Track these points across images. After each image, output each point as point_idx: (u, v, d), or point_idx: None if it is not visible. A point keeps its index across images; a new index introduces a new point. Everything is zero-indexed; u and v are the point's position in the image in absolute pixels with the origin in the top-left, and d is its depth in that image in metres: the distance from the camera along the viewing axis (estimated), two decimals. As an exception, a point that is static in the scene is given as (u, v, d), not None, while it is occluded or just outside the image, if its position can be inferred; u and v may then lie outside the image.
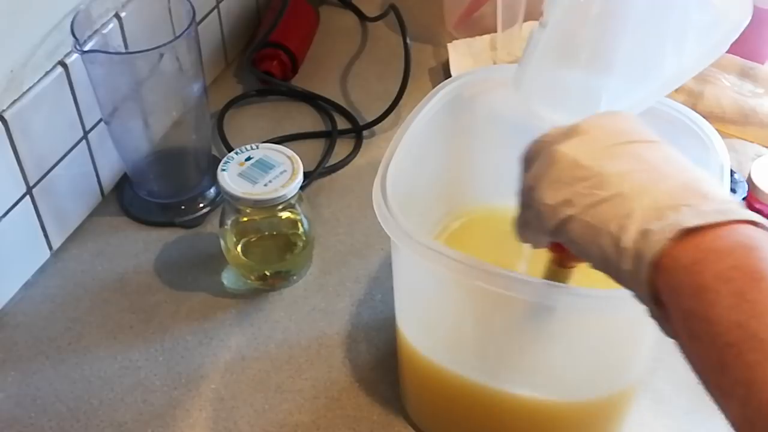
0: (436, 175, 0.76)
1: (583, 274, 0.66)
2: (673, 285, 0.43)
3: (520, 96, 0.65)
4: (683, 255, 0.43)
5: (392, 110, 1.03)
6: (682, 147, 0.63)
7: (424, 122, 0.70)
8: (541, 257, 0.62)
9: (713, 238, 0.43)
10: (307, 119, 1.06)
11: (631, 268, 0.45)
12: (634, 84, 0.65)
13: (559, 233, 0.50)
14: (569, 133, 0.52)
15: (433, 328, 0.71)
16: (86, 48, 0.82)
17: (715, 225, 0.44)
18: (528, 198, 0.53)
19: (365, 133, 1.04)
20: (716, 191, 0.47)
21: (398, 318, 0.72)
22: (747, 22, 0.58)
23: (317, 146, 1.02)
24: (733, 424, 0.40)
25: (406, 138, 0.68)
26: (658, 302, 0.45)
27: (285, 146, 0.85)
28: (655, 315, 0.46)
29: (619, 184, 0.47)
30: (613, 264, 0.47)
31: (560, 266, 0.61)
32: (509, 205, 0.80)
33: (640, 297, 0.46)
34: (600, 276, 0.49)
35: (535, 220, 0.52)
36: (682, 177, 0.47)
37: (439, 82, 0.73)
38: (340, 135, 1.03)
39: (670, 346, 0.46)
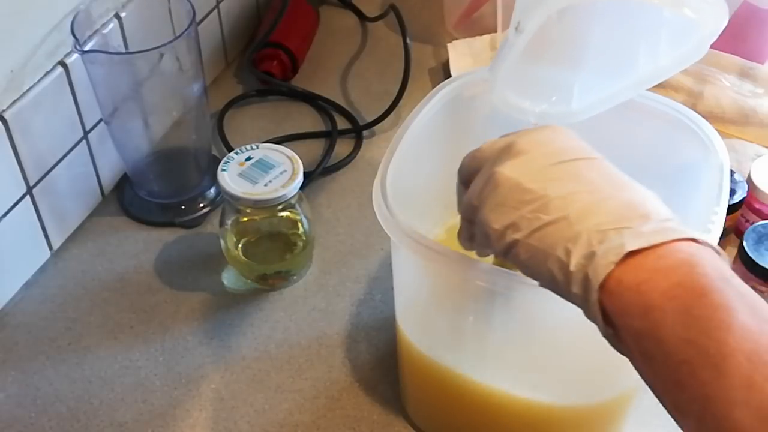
0: (435, 175, 0.76)
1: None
2: (620, 306, 0.45)
3: (495, 94, 0.66)
4: (628, 276, 0.44)
5: (392, 110, 1.03)
6: (682, 146, 0.63)
7: (424, 122, 0.70)
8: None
9: (656, 257, 0.45)
10: (307, 119, 1.06)
11: (580, 292, 0.46)
12: (607, 79, 0.65)
13: (507, 255, 0.51)
14: (508, 152, 0.52)
15: (432, 326, 0.71)
16: (86, 48, 0.82)
17: (656, 245, 0.45)
18: (472, 216, 0.53)
19: (365, 133, 1.04)
20: (657, 209, 0.48)
21: (398, 317, 0.72)
22: (723, 27, 0.58)
23: (317, 146, 1.02)
24: None
25: (406, 138, 0.68)
26: (608, 322, 0.46)
27: (285, 146, 0.85)
28: (606, 334, 0.47)
29: (562, 207, 0.48)
30: (562, 286, 0.48)
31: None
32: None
33: (591, 317, 0.47)
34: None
35: (481, 238, 0.53)
36: (623, 196, 0.48)
37: (439, 82, 0.73)
38: (340, 135, 1.03)
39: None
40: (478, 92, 0.75)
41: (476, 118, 0.76)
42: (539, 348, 0.66)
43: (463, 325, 0.69)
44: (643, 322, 0.43)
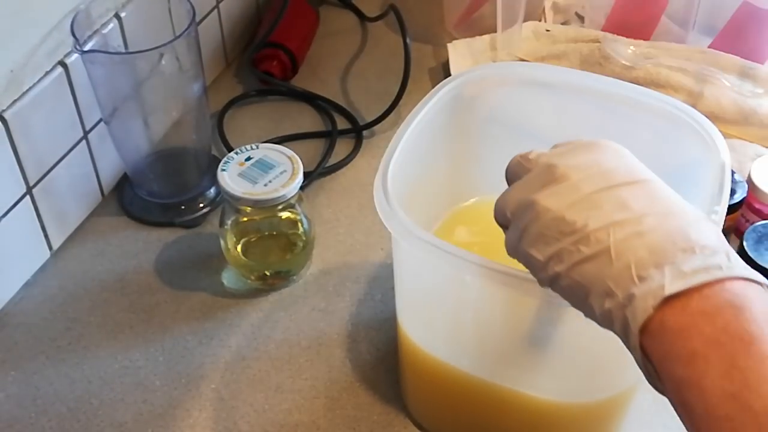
0: (436, 173, 0.76)
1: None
2: (662, 351, 0.43)
3: None
4: (671, 319, 0.43)
5: (392, 110, 1.03)
6: (683, 145, 0.63)
7: (425, 121, 0.70)
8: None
9: (700, 298, 0.42)
10: (307, 119, 1.06)
11: (620, 333, 0.45)
12: None
13: (552, 286, 0.50)
14: (550, 176, 0.50)
15: (433, 323, 0.71)
16: (86, 48, 0.82)
17: (701, 286, 0.42)
18: (516, 241, 0.52)
19: (365, 133, 1.04)
20: (703, 239, 0.45)
21: (399, 314, 0.72)
22: None
23: (317, 146, 1.02)
24: None
25: (407, 136, 0.68)
26: (649, 363, 0.44)
27: (285, 146, 0.85)
28: (647, 373, 0.45)
29: (603, 240, 0.46)
30: (603, 324, 0.46)
31: None
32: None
33: (632, 354, 0.45)
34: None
35: (525, 261, 0.52)
36: (668, 226, 0.46)
37: (439, 82, 0.73)
38: (340, 135, 1.03)
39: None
40: (478, 91, 0.75)
41: (476, 117, 0.76)
42: (540, 347, 0.66)
43: (463, 321, 0.69)
44: (684, 370, 0.42)
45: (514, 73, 0.77)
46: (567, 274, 0.47)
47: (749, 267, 0.44)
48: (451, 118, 0.74)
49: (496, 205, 0.54)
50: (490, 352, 0.69)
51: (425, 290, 0.69)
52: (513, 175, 0.55)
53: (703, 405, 0.41)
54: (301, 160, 0.83)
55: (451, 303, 0.68)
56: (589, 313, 0.47)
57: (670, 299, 0.42)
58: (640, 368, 0.45)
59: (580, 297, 0.47)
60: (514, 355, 0.68)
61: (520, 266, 0.54)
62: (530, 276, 0.52)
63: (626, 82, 0.73)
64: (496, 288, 0.59)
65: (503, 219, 0.53)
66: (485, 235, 0.79)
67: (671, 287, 0.42)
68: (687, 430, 0.43)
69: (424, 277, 0.68)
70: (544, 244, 0.48)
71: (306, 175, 0.86)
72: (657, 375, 0.44)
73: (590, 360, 0.66)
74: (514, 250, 0.52)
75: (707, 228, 0.46)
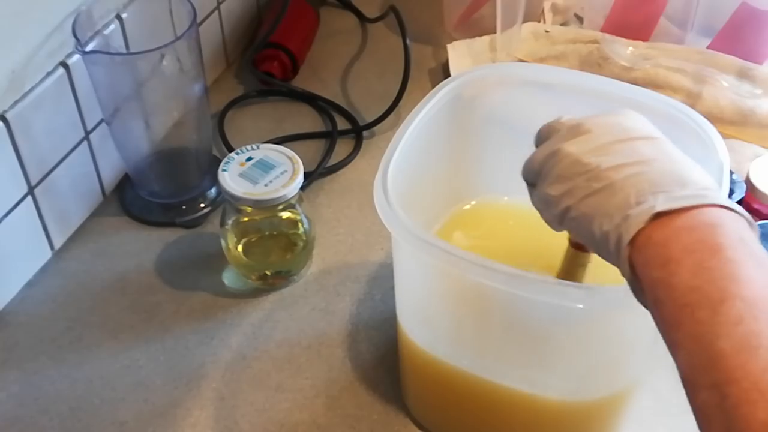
0: (436, 174, 0.76)
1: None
2: (645, 259, 0.48)
3: None
4: (656, 233, 0.48)
5: (392, 111, 1.03)
6: (682, 145, 0.64)
7: (425, 121, 0.70)
8: (540, 253, 0.62)
9: (684, 218, 0.48)
10: (308, 119, 1.06)
11: (613, 250, 0.50)
12: None
13: (563, 221, 0.55)
14: (575, 131, 0.56)
15: (433, 323, 0.71)
16: (87, 49, 0.82)
17: (687, 208, 0.48)
18: (534, 180, 0.58)
19: (365, 133, 1.04)
20: (697, 178, 0.51)
21: (399, 313, 0.73)
22: None
23: (317, 146, 1.02)
24: (682, 373, 0.45)
25: (407, 136, 0.68)
26: (635, 275, 0.49)
27: (285, 146, 0.85)
28: (633, 287, 0.50)
29: (611, 176, 0.52)
30: (601, 246, 0.52)
31: (577, 249, 0.65)
32: (508, 202, 0.81)
33: (623, 272, 0.51)
34: (603, 273, 0.51)
35: (539, 203, 0.58)
36: (670, 167, 0.52)
37: (439, 83, 0.73)
38: (340, 135, 1.03)
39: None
40: (478, 92, 0.75)
41: (476, 118, 0.76)
42: (541, 344, 0.67)
43: (463, 320, 0.69)
44: (660, 272, 0.47)
45: (513, 73, 0.77)
46: (576, 206, 0.53)
47: (733, 203, 0.49)
48: (451, 118, 0.74)
49: (525, 163, 0.59)
50: (490, 352, 0.69)
51: (425, 290, 0.70)
52: (543, 137, 0.60)
53: (671, 298, 0.46)
54: (302, 161, 0.83)
55: (450, 302, 0.68)
56: (591, 240, 0.53)
57: (659, 216, 0.48)
58: (627, 281, 0.50)
59: (585, 226, 0.53)
60: (514, 354, 0.68)
61: (520, 266, 0.55)
62: (531, 275, 0.53)
63: (625, 83, 0.73)
64: (496, 288, 0.60)
65: (531, 175, 0.59)
66: (485, 239, 0.79)
67: (661, 206, 0.48)
68: (657, 325, 0.48)
69: (423, 277, 0.68)
70: (560, 183, 0.55)
71: (306, 175, 0.86)
72: (640, 286, 0.49)
73: (590, 359, 0.66)
74: (537, 199, 0.58)
75: (703, 174, 0.52)
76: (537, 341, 0.66)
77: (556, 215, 0.55)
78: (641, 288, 0.49)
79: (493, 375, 0.68)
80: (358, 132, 1.04)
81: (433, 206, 0.79)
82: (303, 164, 0.83)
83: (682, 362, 0.45)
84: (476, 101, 0.75)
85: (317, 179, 0.97)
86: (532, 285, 0.58)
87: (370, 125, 1.04)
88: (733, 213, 0.49)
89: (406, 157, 0.67)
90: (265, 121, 1.05)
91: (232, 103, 1.06)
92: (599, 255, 0.53)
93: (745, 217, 0.49)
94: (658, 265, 0.47)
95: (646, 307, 0.49)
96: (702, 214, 0.48)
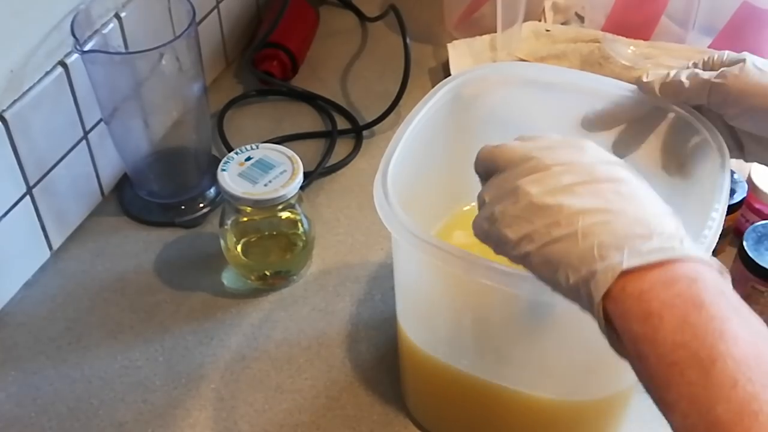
0: (436, 174, 0.76)
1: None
2: (622, 311, 0.47)
3: None
4: (630, 285, 0.47)
5: (392, 110, 1.03)
6: (683, 145, 0.63)
7: (424, 120, 0.70)
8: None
9: (658, 272, 0.47)
10: (307, 119, 1.06)
11: (585, 301, 0.49)
12: None
13: (521, 263, 0.53)
14: (533, 166, 0.53)
15: (433, 323, 0.71)
16: (86, 48, 0.82)
17: (656, 264, 0.47)
18: (489, 218, 0.55)
19: (365, 133, 1.04)
20: (663, 226, 0.49)
21: (399, 314, 0.72)
22: None
23: (317, 146, 1.02)
24: None
25: (406, 136, 0.68)
26: (610, 325, 0.48)
27: (285, 146, 0.85)
28: (608, 337, 0.49)
29: (573, 224, 0.50)
30: (570, 295, 0.51)
31: None
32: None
33: (597, 322, 0.49)
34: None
35: (496, 240, 0.55)
36: (633, 213, 0.50)
37: (439, 82, 0.73)
38: (340, 135, 1.03)
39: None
40: (478, 91, 0.75)
41: (476, 118, 0.76)
42: (540, 344, 0.66)
43: (462, 321, 0.69)
44: (641, 326, 0.46)
45: (514, 73, 0.77)
46: (537, 252, 0.51)
47: (701, 251, 0.49)
48: (451, 117, 0.74)
49: (479, 194, 0.57)
50: (490, 352, 0.69)
51: (425, 290, 0.69)
52: (486, 164, 0.57)
53: (656, 354, 0.45)
54: (301, 160, 0.83)
55: (450, 303, 0.68)
56: (558, 288, 0.51)
57: (629, 272, 0.47)
58: (603, 333, 0.49)
59: (548, 274, 0.51)
60: (514, 354, 0.68)
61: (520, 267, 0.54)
62: (530, 275, 0.53)
63: (626, 83, 0.73)
64: (495, 287, 0.59)
65: (480, 201, 0.57)
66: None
67: (628, 263, 0.47)
68: (641, 381, 0.47)
69: (423, 278, 0.68)
70: (518, 226, 0.52)
71: (306, 175, 0.86)
72: (617, 338, 0.48)
73: (589, 359, 0.66)
74: (483, 231, 0.55)
75: (667, 220, 0.50)
76: (536, 341, 0.66)
77: (513, 257, 0.53)
78: (618, 338, 0.48)
79: (493, 376, 0.68)
80: (358, 132, 1.03)
81: (434, 206, 0.79)
82: (303, 164, 0.83)
83: (678, 424, 0.44)
84: (476, 101, 0.75)
85: (317, 179, 0.97)
86: (530, 284, 0.58)
87: (370, 125, 1.04)
88: (705, 264, 0.48)
89: (406, 157, 0.67)
90: (265, 121, 1.05)
91: (232, 103, 1.06)
92: (566, 298, 0.51)
93: (716, 267, 0.48)
94: (638, 319, 0.46)
95: (623, 357, 0.49)
96: (676, 268, 0.47)
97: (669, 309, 0.45)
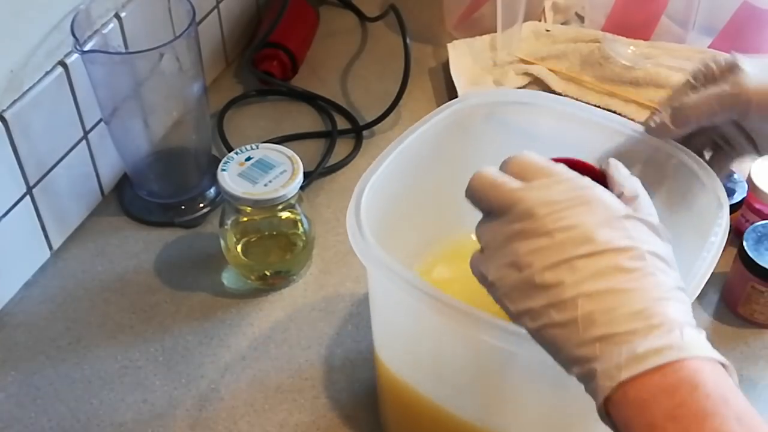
0: (421, 202, 0.73)
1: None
2: (624, 418, 0.46)
3: None
4: (631, 391, 0.46)
5: (392, 110, 1.03)
6: (681, 177, 0.60)
7: (413, 144, 0.68)
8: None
9: (659, 376, 0.46)
10: (307, 119, 1.06)
11: (588, 393, 0.48)
12: None
13: (518, 325, 0.51)
14: (529, 228, 0.50)
15: (414, 359, 0.68)
16: (86, 48, 0.82)
17: (656, 368, 0.46)
18: (487, 279, 0.52)
19: (365, 133, 1.04)
20: (665, 314, 0.47)
21: (376, 344, 0.71)
22: None
23: (317, 146, 1.02)
24: None
25: (389, 161, 0.66)
26: (611, 422, 0.47)
27: (285, 146, 0.85)
28: (608, 425, 0.48)
29: (573, 309, 0.48)
30: (572, 375, 0.49)
31: None
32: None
33: (600, 417, 0.48)
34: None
35: (495, 300, 0.52)
36: (636, 300, 0.47)
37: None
38: (340, 135, 1.03)
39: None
40: (472, 121, 0.72)
41: (466, 148, 0.73)
42: (519, 391, 0.64)
43: (442, 360, 0.66)
44: None
45: (513, 100, 0.74)
46: (537, 332, 0.49)
47: (703, 343, 0.47)
48: (443, 143, 0.71)
49: (476, 228, 0.54)
50: (469, 394, 0.66)
51: (402, 325, 0.67)
52: (478, 202, 0.53)
53: None
54: (301, 160, 0.83)
55: (429, 341, 0.65)
56: (557, 363, 0.50)
57: (629, 379, 0.46)
58: (603, 422, 0.48)
59: (548, 350, 0.50)
60: (493, 398, 0.66)
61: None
62: (510, 326, 0.52)
63: (632, 123, 0.70)
64: (475, 336, 0.57)
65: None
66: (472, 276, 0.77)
67: (627, 372, 0.46)
68: None
69: (400, 312, 0.66)
70: (516, 299, 0.50)
71: (306, 175, 0.86)
72: (614, 426, 0.47)
73: (567, 407, 0.63)
74: (480, 276, 0.53)
75: (670, 304, 0.48)
76: (514, 391, 0.64)
77: (513, 321, 0.51)
78: (616, 428, 0.47)
79: (472, 417, 0.66)
80: (358, 131, 1.03)
81: (419, 237, 0.76)
82: (303, 164, 0.83)
83: None
84: (468, 130, 0.72)
85: (317, 179, 0.97)
86: (510, 336, 0.55)
87: (370, 125, 1.04)
88: (709, 362, 0.46)
89: (391, 182, 0.65)
90: (265, 121, 1.05)
91: (232, 103, 1.06)
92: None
93: (721, 362, 0.47)
94: (640, 429, 0.45)
95: None
96: (677, 370, 0.45)
97: (672, 422, 0.44)
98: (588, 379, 0.47)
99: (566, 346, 0.48)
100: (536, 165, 0.52)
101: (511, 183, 0.52)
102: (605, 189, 0.52)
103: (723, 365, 0.47)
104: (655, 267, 0.49)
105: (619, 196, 0.53)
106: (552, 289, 0.48)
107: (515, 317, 0.50)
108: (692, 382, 0.45)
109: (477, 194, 0.53)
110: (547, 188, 0.51)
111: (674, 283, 0.49)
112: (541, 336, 0.49)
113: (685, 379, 0.45)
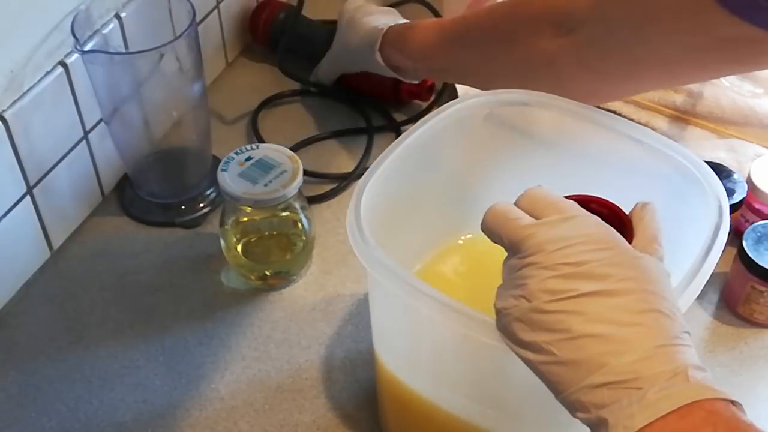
0: (421, 203, 0.73)
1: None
2: None
3: None
4: None
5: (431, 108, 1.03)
6: (680, 189, 0.60)
7: (419, 141, 0.68)
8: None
9: (677, 417, 0.45)
10: (343, 118, 1.04)
11: None
12: None
13: None
14: (537, 262, 0.50)
15: (413, 360, 0.68)
16: (86, 48, 0.82)
17: (666, 414, 0.45)
18: (500, 311, 0.53)
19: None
20: (669, 361, 0.47)
21: (376, 344, 0.71)
22: None
23: (357, 145, 1.01)
24: None
25: (388, 161, 0.66)
26: None
27: (321, 144, 0.83)
28: None
29: (579, 350, 0.48)
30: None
31: None
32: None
33: None
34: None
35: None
36: (641, 345, 0.47)
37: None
38: (377, 132, 1.02)
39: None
40: (474, 122, 0.72)
41: (469, 150, 0.73)
42: (521, 393, 0.64)
43: (443, 362, 0.66)
44: None
45: (507, 100, 0.73)
46: (541, 367, 0.49)
47: (712, 383, 0.47)
48: (452, 141, 0.71)
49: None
50: (471, 396, 0.66)
51: (401, 325, 0.67)
52: (492, 236, 0.54)
53: None
54: (335, 160, 0.82)
55: (429, 343, 0.65)
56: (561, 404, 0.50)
57: (646, 426, 0.45)
58: None
59: (551, 389, 0.50)
60: (494, 399, 0.66)
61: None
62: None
63: (622, 118, 0.70)
64: (475, 338, 0.56)
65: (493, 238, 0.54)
66: (472, 270, 0.76)
67: (641, 419, 0.45)
68: None
69: (399, 313, 0.66)
70: (522, 329, 0.50)
71: (343, 177, 0.84)
72: None
73: (565, 414, 0.64)
74: (496, 312, 0.53)
75: (676, 351, 0.48)
76: (512, 391, 0.64)
77: (519, 356, 0.52)
78: None
79: (470, 416, 0.65)
80: (396, 129, 1.03)
81: (425, 238, 0.76)
82: (335, 164, 0.81)
83: None
84: (471, 129, 0.72)
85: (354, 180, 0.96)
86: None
87: (405, 123, 1.03)
88: (722, 402, 0.46)
89: (392, 182, 0.65)
90: (299, 120, 1.04)
91: (266, 102, 1.05)
92: None
93: (731, 401, 0.47)
94: None
95: None
96: (694, 412, 0.45)
97: None
98: (597, 427, 0.47)
99: (570, 388, 0.48)
100: (547, 200, 0.53)
101: (522, 219, 0.53)
102: (612, 228, 0.52)
103: (733, 403, 0.47)
104: (659, 307, 0.49)
105: (639, 235, 0.54)
106: (557, 327, 0.49)
107: (519, 347, 0.51)
108: (710, 422, 0.45)
109: (491, 229, 0.54)
110: (556, 225, 0.51)
111: (680, 327, 0.49)
112: (542, 372, 0.49)
113: (702, 420, 0.45)
